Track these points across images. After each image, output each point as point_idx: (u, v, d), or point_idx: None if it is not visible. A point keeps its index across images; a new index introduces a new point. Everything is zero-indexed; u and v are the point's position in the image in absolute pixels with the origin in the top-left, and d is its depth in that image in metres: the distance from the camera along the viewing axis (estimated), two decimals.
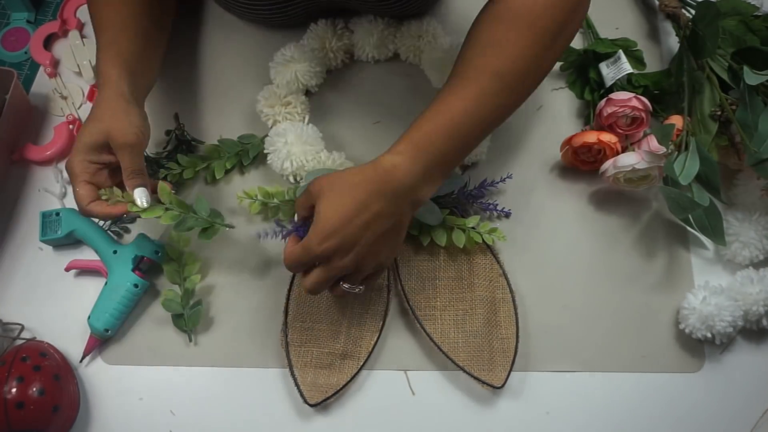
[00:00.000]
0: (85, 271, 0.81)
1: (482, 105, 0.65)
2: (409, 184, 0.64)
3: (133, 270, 0.77)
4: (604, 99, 0.80)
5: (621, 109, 0.77)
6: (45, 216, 0.80)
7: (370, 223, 0.63)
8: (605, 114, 0.79)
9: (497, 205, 0.80)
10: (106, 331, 0.76)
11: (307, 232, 0.65)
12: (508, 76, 0.65)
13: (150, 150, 0.85)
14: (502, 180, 0.80)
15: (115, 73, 0.71)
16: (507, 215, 0.81)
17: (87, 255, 0.82)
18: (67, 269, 0.80)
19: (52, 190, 0.85)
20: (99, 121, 0.69)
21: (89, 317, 0.76)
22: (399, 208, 0.64)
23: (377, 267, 0.68)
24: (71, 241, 0.82)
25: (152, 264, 0.79)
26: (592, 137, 0.78)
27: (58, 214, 0.80)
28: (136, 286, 0.76)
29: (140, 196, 0.70)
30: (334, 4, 0.85)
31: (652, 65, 0.88)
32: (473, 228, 0.77)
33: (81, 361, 0.77)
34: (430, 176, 0.65)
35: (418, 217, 0.76)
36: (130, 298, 0.76)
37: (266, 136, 0.83)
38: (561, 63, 0.88)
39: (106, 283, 0.77)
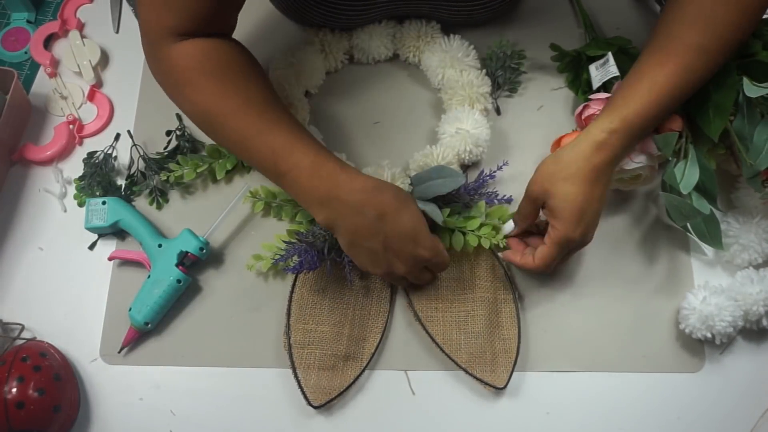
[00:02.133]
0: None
1: (687, 80, 0.69)
2: (617, 159, 0.70)
3: (177, 265, 0.77)
4: (583, 103, 0.80)
5: (598, 111, 0.77)
6: (90, 204, 0.80)
7: (598, 203, 0.69)
8: (584, 116, 0.79)
9: (497, 193, 0.80)
10: (146, 324, 0.76)
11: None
12: (713, 51, 0.68)
13: (150, 151, 0.85)
14: (499, 168, 0.80)
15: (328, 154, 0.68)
16: (509, 201, 0.81)
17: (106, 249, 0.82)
18: (110, 259, 0.80)
19: (52, 190, 0.85)
20: (407, 204, 0.68)
21: (130, 309, 0.76)
22: (606, 183, 0.70)
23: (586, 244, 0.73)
24: (115, 231, 0.81)
25: (196, 260, 0.78)
26: None
27: (104, 203, 0.80)
28: (179, 281, 0.76)
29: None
30: (411, 8, 0.85)
31: None
32: (473, 231, 0.77)
33: (119, 352, 0.77)
34: (629, 150, 0.71)
35: None
36: (171, 293, 0.76)
37: None
38: (558, 64, 0.88)
39: (148, 276, 0.77)
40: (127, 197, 0.83)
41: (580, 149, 0.69)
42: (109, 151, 0.85)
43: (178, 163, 0.83)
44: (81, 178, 0.84)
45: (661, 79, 0.68)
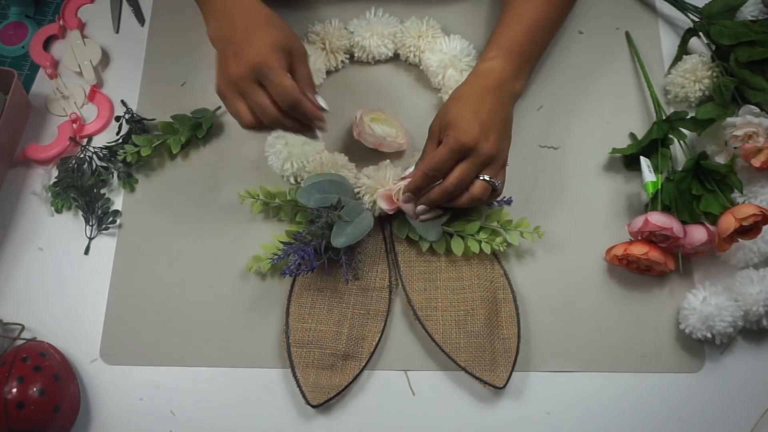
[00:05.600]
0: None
1: (552, 9, 0.78)
2: (505, 80, 0.74)
3: None
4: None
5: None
6: None
7: (492, 113, 0.71)
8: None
9: None
10: None
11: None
12: None
13: (104, 139, 0.86)
14: None
15: None
16: (508, 203, 0.81)
17: None
18: None
19: (39, 194, 0.85)
20: (276, 27, 0.68)
21: None
22: (503, 101, 0.73)
23: (504, 163, 0.73)
24: None
25: None
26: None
27: None
28: None
29: (321, 101, 0.70)
30: None
31: (652, 65, 0.89)
32: (472, 236, 0.77)
33: None
34: (519, 73, 0.76)
35: (418, 231, 0.77)
36: None
37: (219, 107, 0.87)
38: None
39: None
40: (98, 193, 0.84)
41: (467, 81, 0.74)
42: (82, 155, 0.85)
43: (133, 144, 0.84)
44: (55, 185, 0.84)
45: (529, 12, 0.77)
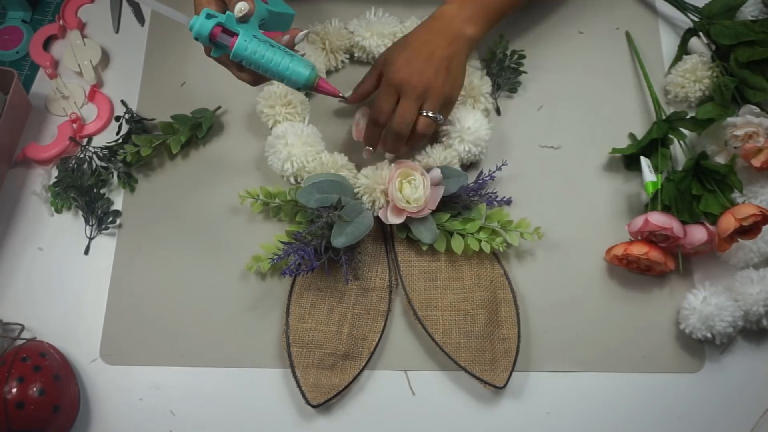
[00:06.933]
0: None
1: None
2: (456, 23, 0.76)
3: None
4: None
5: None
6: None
7: (432, 52, 0.74)
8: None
9: (497, 194, 0.80)
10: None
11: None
12: None
13: (104, 139, 0.86)
14: (498, 168, 0.81)
15: None
16: (508, 203, 0.81)
17: None
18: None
19: (39, 194, 0.85)
20: None
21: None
22: (449, 41, 0.75)
23: (446, 99, 0.76)
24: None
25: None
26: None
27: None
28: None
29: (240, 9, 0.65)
30: None
31: (652, 65, 0.89)
32: (472, 234, 0.77)
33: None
34: (474, 18, 0.76)
35: (414, 234, 0.77)
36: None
37: (219, 107, 0.87)
38: None
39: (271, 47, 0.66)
40: (98, 193, 0.84)
41: (424, 21, 0.77)
42: (82, 155, 0.85)
43: (133, 143, 0.84)
44: (55, 185, 0.84)
45: None
